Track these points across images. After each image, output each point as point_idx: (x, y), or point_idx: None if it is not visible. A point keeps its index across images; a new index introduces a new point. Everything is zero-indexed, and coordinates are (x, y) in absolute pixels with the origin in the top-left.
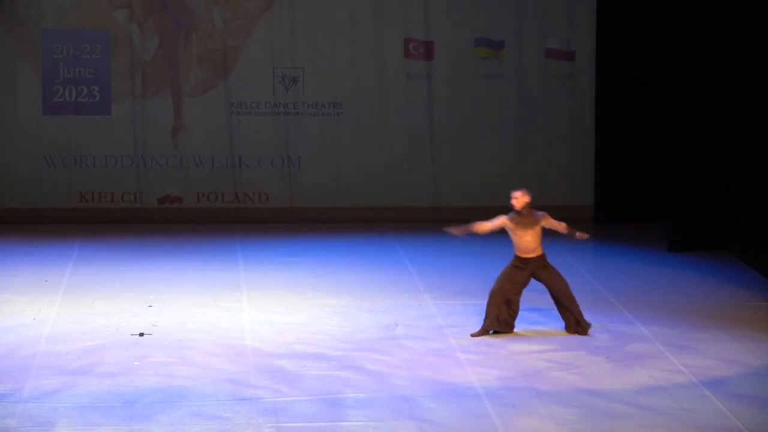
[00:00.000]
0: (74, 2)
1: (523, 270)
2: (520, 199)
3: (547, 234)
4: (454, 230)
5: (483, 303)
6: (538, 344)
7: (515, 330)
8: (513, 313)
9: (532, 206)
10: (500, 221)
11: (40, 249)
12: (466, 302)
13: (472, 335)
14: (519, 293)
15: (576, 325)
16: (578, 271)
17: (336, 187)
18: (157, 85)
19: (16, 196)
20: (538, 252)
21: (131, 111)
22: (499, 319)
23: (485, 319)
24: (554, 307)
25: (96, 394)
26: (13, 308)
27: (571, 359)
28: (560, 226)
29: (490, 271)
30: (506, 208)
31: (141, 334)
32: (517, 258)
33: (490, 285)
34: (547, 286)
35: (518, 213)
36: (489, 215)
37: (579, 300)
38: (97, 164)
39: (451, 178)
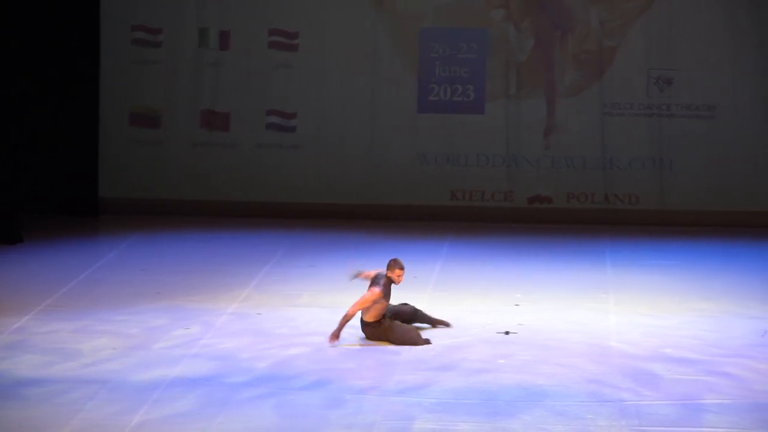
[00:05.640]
0: (453, 1)
1: None
2: (402, 276)
3: None
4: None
5: None
6: None
7: None
8: None
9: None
10: (376, 296)
11: (411, 245)
12: None
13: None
14: None
15: None
16: None
17: (707, 190)
18: (530, 86)
19: (391, 192)
20: None
21: (504, 111)
22: None
23: None
24: None
25: (458, 391)
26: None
27: None
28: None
29: None
30: None
31: (507, 333)
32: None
33: None
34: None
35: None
36: None
37: None
38: (469, 163)
39: None
